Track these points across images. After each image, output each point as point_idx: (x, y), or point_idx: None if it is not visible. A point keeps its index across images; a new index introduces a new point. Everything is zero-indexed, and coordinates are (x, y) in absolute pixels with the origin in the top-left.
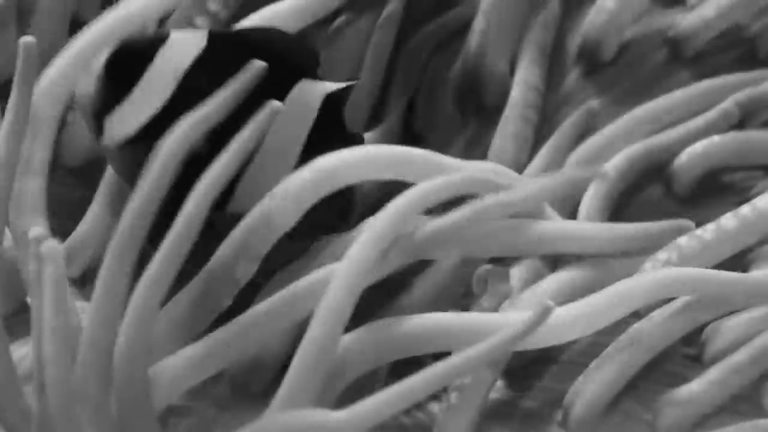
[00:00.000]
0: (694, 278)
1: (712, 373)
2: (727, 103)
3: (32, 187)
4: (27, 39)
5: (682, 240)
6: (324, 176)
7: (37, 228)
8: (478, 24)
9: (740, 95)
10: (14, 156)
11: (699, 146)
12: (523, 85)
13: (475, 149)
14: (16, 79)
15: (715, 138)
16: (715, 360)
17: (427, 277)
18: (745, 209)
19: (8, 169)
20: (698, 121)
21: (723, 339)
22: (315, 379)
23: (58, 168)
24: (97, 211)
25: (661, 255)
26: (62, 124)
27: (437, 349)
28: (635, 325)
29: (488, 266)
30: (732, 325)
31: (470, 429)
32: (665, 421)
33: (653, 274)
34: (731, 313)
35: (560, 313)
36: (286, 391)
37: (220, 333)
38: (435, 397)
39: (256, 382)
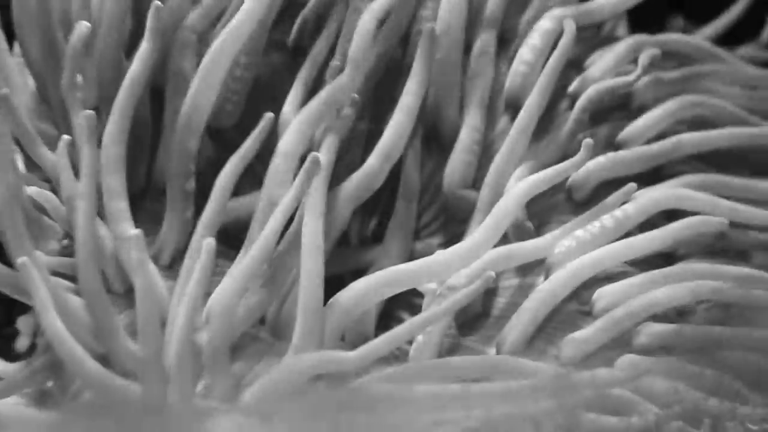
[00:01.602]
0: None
1: (598, 323)
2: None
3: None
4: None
5: (578, 232)
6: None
7: (134, 230)
8: (432, 89)
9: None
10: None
11: (590, 164)
12: (469, 127)
13: (437, 172)
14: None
15: (600, 158)
16: (600, 314)
17: None
18: (617, 212)
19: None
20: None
21: (605, 300)
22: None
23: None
24: (173, 216)
25: (565, 241)
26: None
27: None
28: (539, 287)
29: None
30: (612, 290)
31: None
32: (566, 355)
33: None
34: (611, 281)
35: None
36: (299, 335)
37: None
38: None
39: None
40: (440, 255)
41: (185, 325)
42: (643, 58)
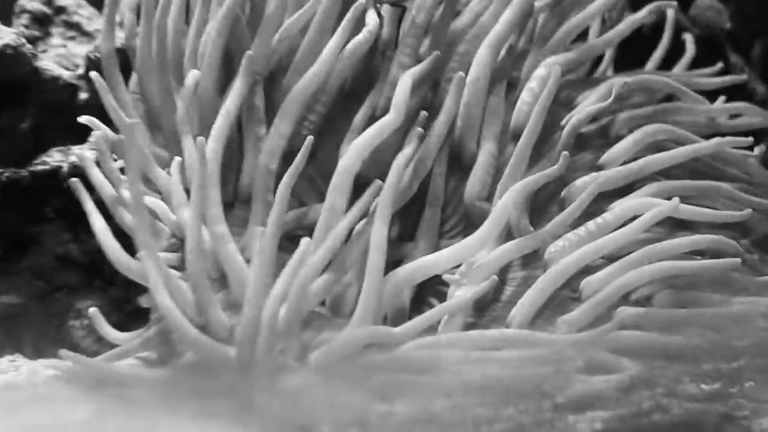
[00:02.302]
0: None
1: (584, 307)
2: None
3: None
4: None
5: (569, 234)
6: None
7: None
8: (457, 122)
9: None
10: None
11: (578, 182)
12: (486, 153)
13: (459, 187)
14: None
15: (585, 177)
16: (586, 299)
17: None
18: (599, 219)
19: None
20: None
21: (589, 289)
22: (375, 307)
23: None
24: (256, 222)
25: (559, 242)
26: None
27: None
28: (539, 278)
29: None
30: (594, 279)
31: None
32: (560, 331)
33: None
34: (594, 272)
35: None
36: (358, 313)
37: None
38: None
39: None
40: (457, 245)
41: (272, 303)
42: (615, 89)
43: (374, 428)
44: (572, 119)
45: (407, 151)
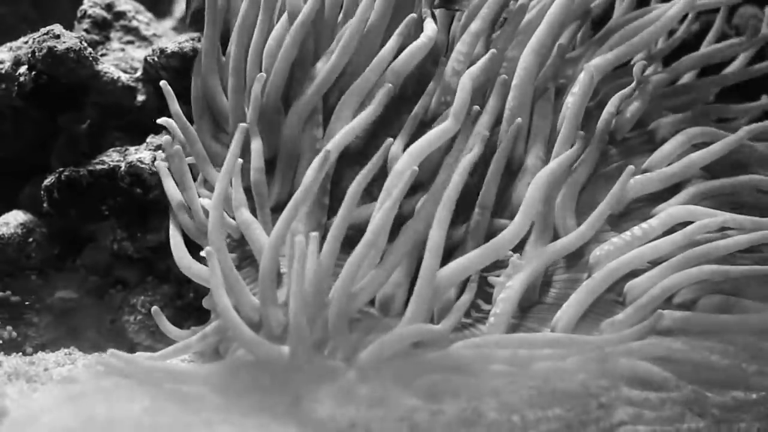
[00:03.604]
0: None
1: (628, 310)
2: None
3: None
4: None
5: (615, 239)
6: None
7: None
8: (503, 126)
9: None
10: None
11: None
12: (534, 157)
13: (506, 192)
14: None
15: (631, 180)
16: (630, 303)
17: None
18: (645, 225)
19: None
20: None
21: (633, 293)
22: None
23: None
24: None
25: (605, 245)
26: None
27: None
28: (584, 282)
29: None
30: (638, 283)
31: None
32: (604, 334)
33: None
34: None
35: None
36: (410, 312)
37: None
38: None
39: (396, 306)
40: (491, 243)
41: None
42: (636, 70)
43: (422, 428)
44: (603, 114)
45: (470, 156)
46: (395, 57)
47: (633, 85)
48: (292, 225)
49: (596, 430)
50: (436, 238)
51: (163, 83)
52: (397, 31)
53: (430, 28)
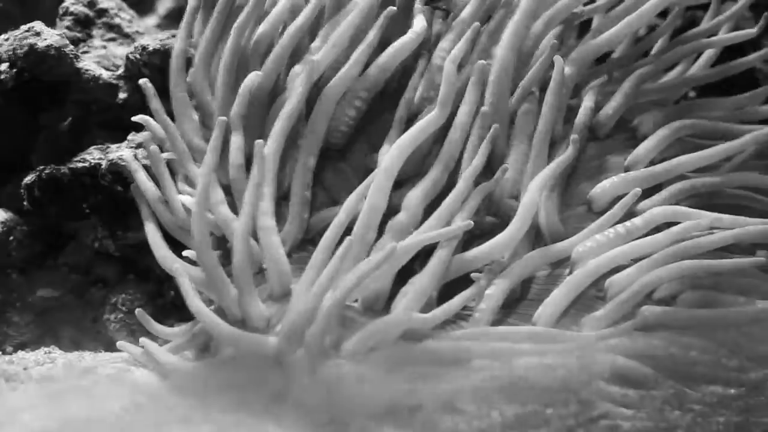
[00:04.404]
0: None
1: (608, 306)
2: None
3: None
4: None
5: (598, 236)
6: None
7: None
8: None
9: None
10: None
11: (606, 182)
12: (517, 152)
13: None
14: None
15: (614, 178)
16: (611, 299)
17: None
18: (628, 223)
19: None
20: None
21: (613, 289)
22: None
23: None
24: (294, 217)
25: (587, 242)
26: None
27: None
28: (567, 278)
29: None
30: (619, 279)
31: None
32: (585, 329)
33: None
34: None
35: None
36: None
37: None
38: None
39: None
40: (488, 244)
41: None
42: (611, 63)
43: (403, 422)
44: (581, 110)
45: (477, 162)
46: (381, 51)
47: (605, 76)
48: (271, 223)
49: (575, 425)
50: (441, 256)
51: (142, 81)
52: (377, 24)
53: (419, 24)
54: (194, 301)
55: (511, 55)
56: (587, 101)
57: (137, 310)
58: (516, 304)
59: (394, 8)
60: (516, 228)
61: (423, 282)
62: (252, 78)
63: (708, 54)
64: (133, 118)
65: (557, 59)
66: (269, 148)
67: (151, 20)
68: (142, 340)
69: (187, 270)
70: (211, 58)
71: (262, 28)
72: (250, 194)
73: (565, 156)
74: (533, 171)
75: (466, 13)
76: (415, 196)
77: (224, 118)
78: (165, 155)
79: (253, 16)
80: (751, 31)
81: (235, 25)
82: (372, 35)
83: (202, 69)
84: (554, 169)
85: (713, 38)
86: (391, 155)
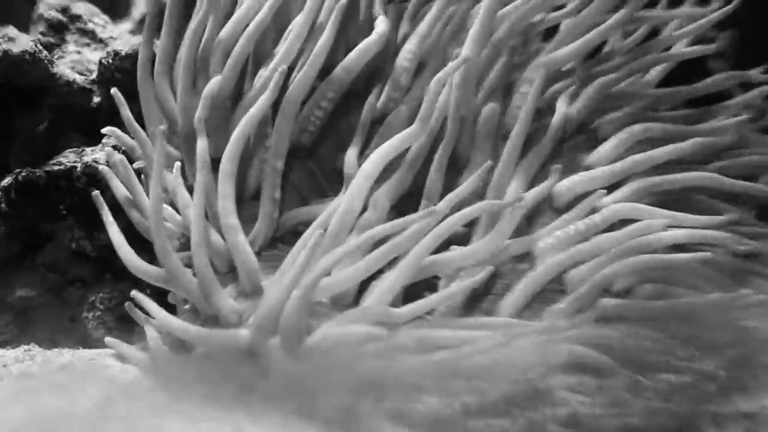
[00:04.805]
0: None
1: (568, 299)
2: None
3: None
4: None
5: (559, 232)
6: None
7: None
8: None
9: None
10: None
11: (568, 181)
12: (481, 153)
13: (452, 188)
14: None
15: (575, 177)
16: (571, 292)
17: None
18: (588, 220)
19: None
20: None
21: (573, 282)
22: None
23: None
24: (264, 217)
25: (548, 239)
26: None
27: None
28: (529, 274)
29: None
30: (579, 273)
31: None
32: (547, 320)
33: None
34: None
35: None
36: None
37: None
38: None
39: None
40: (470, 248)
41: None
42: (578, 72)
43: (366, 414)
44: (555, 115)
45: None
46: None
47: (577, 83)
48: (235, 222)
49: (534, 413)
50: (417, 253)
51: (113, 91)
52: (330, 20)
53: (381, 25)
54: (159, 314)
55: (475, 56)
56: (561, 106)
57: (133, 292)
58: (481, 298)
59: (344, 1)
60: (492, 245)
61: (393, 279)
62: (212, 84)
63: (662, 66)
64: (103, 130)
65: (540, 71)
66: (226, 153)
67: (126, 25)
68: (108, 340)
69: (156, 272)
70: (170, 65)
71: (222, 34)
72: (198, 193)
73: (546, 185)
74: (503, 172)
75: (430, 15)
76: (382, 195)
77: (163, 127)
78: (136, 164)
79: (204, 21)
80: (711, 47)
81: (188, 32)
82: (326, 35)
83: (162, 76)
84: (534, 197)
85: (672, 52)
86: (372, 160)
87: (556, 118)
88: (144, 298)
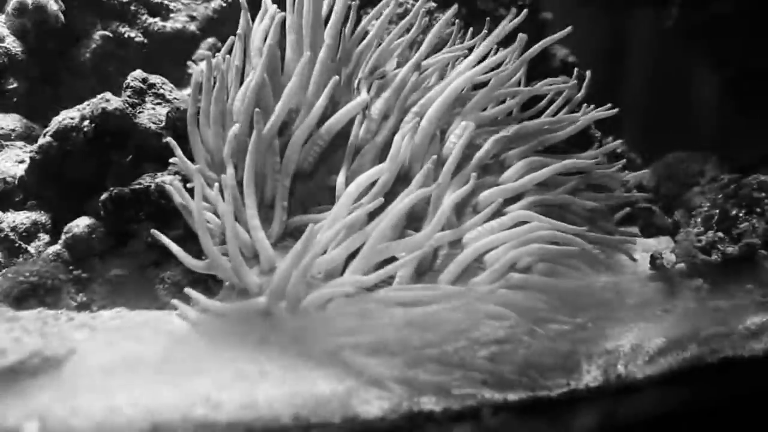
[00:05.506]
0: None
1: (486, 273)
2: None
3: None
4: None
5: (480, 227)
6: None
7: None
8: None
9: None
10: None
11: (486, 193)
12: (425, 174)
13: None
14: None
15: (490, 190)
16: (488, 268)
17: None
18: (499, 219)
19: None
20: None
21: (489, 261)
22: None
23: None
24: (276, 220)
25: (473, 232)
26: None
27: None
28: (459, 256)
29: None
30: (494, 254)
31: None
32: (472, 288)
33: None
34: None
35: None
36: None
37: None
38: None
39: (336, 273)
40: (411, 238)
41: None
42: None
43: (349, 361)
44: (477, 154)
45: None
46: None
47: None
48: (257, 223)
49: (466, 356)
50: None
51: (168, 139)
52: (325, 92)
53: (362, 96)
54: (200, 299)
55: (437, 117)
56: (487, 145)
57: (186, 289)
58: (425, 273)
59: (338, 77)
60: (432, 229)
61: (359, 259)
62: (233, 129)
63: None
64: (170, 161)
65: (469, 125)
66: (246, 177)
67: (185, 91)
68: (174, 301)
69: (202, 264)
70: (207, 117)
71: (238, 95)
72: (228, 204)
73: (467, 187)
74: (441, 189)
75: (395, 82)
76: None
77: (199, 165)
78: (189, 185)
79: (223, 86)
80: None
81: (213, 96)
82: (322, 101)
83: (204, 125)
84: (459, 196)
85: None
86: (355, 183)
87: (480, 152)
88: (191, 291)
